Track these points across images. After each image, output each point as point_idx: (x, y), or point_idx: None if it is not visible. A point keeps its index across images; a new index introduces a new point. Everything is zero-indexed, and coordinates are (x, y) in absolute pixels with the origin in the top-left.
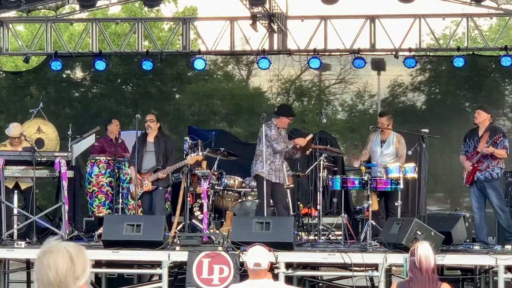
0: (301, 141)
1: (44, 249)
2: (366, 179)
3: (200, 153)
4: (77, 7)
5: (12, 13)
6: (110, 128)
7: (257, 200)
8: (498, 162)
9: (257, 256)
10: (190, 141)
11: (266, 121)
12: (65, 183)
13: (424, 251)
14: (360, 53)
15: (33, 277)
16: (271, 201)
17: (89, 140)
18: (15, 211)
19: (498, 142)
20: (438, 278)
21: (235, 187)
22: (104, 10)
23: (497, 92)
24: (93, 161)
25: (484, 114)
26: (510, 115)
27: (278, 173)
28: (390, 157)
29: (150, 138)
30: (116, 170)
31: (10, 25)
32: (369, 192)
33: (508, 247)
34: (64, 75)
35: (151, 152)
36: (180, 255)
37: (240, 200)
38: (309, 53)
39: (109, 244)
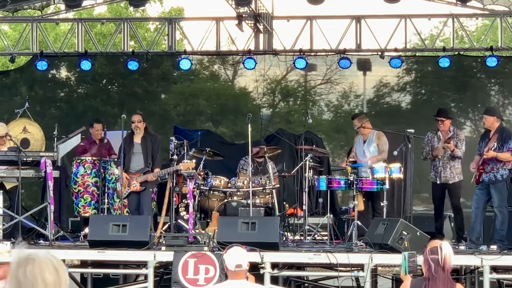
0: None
1: (22, 257)
2: (351, 179)
3: (194, 160)
4: (62, 7)
5: None
6: (91, 131)
7: (243, 201)
8: (504, 163)
9: (238, 257)
10: (176, 141)
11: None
12: (50, 183)
13: (449, 250)
14: (346, 53)
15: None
16: None
17: (75, 140)
18: (0, 211)
19: (503, 146)
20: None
21: (221, 187)
22: (89, 10)
23: (482, 92)
24: (78, 161)
25: (490, 118)
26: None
27: None
28: (373, 156)
29: (137, 139)
30: (101, 170)
31: None
32: (354, 192)
33: (493, 247)
34: (50, 75)
35: (138, 153)
36: (166, 255)
37: (226, 200)
38: (295, 53)
39: (95, 244)
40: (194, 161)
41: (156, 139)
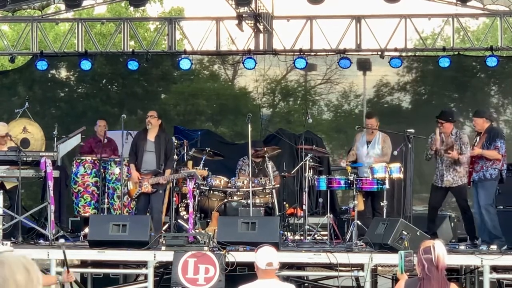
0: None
1: None
2: (351, 179)
3: (207, 169)
4: (62, 6)
5: None
6: (96, 128)
7: (243, 201)
8: (494, 163)
9: (269, 256)
10: (176, 141)
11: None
12: (50, 183)
13: (442, 249)
14: (346, 53)
15: None
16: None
17: (75, 140)
18: (0, 211)
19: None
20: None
21: (221, 187)
22: (89, 10)
23: (482, 92)
24: (78, 161)
25: (479, 120)
26: (495, 115)
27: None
28: (376, 157)
29: (151, 137)
30: (101, 170)
31: None
32: (354, 192)
33: (493, 247)
34: (50, 75)
35: (151, 152)
36: (166, 255)
37: (226, 200)
38: (295, 53)
39: (95, 244)
40: (207, 169)
41: (170, 139)
